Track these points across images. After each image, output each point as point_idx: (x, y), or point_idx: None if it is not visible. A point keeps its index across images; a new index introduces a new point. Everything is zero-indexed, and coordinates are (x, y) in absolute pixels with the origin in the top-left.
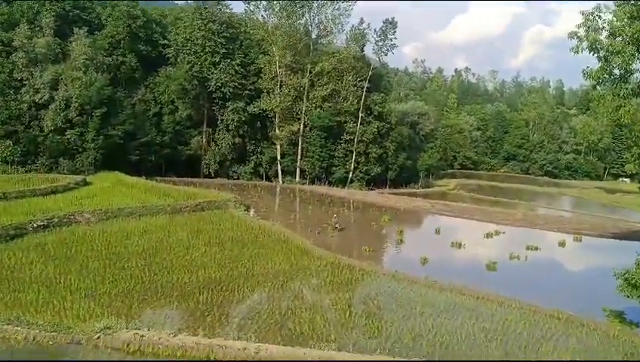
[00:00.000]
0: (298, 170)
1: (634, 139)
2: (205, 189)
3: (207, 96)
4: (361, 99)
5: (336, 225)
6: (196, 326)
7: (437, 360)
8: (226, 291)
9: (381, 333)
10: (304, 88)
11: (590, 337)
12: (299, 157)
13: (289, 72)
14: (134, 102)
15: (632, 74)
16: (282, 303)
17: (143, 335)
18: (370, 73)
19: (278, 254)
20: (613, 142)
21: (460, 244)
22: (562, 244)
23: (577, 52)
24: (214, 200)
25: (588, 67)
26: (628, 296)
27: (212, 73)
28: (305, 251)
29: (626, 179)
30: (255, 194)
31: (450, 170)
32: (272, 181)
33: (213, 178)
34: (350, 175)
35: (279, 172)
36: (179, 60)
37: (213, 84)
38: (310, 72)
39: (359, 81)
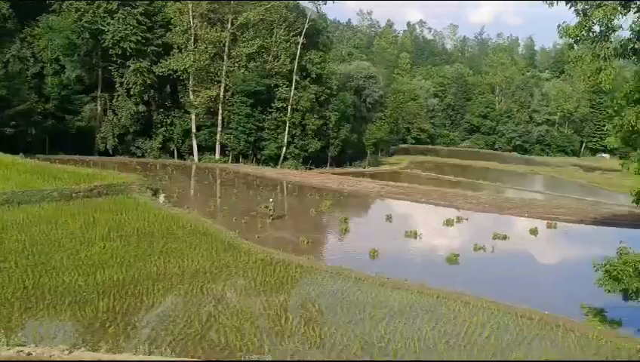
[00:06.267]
0: (218, 145)
1: (615, 107)
2: (102, 170)
3: (103, 54)
4: (295, 59)
5: (271, 212)
6: (96, 340)
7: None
8: (131, 296)
9: (324, 342)
10: (224, 44)
11: (567, 340)
12: (219, 129)
13: (205, 24)
14: (7, 60)
15: (614, 31)
16: (202, 309)
17: (29, 353)
18: (306, 26)
19: (196, 249)
20: (591, 111)
21: (416, 234)
22: (534, 232)
23: (551, 4)
24: (114, 184)
25: (564, 22)
26: (609, 291)
27: (108, 24)
28: (229, 245)
29: (605, 155)
30: (165, 176)
31: (402, 145)
32: (185, 159)
33: (111, 156)
34: (283, 151)
35: (194, 148)
36: (64, 7)
37: (109, 37)
38: (232, 24)
39: (293, 35)
